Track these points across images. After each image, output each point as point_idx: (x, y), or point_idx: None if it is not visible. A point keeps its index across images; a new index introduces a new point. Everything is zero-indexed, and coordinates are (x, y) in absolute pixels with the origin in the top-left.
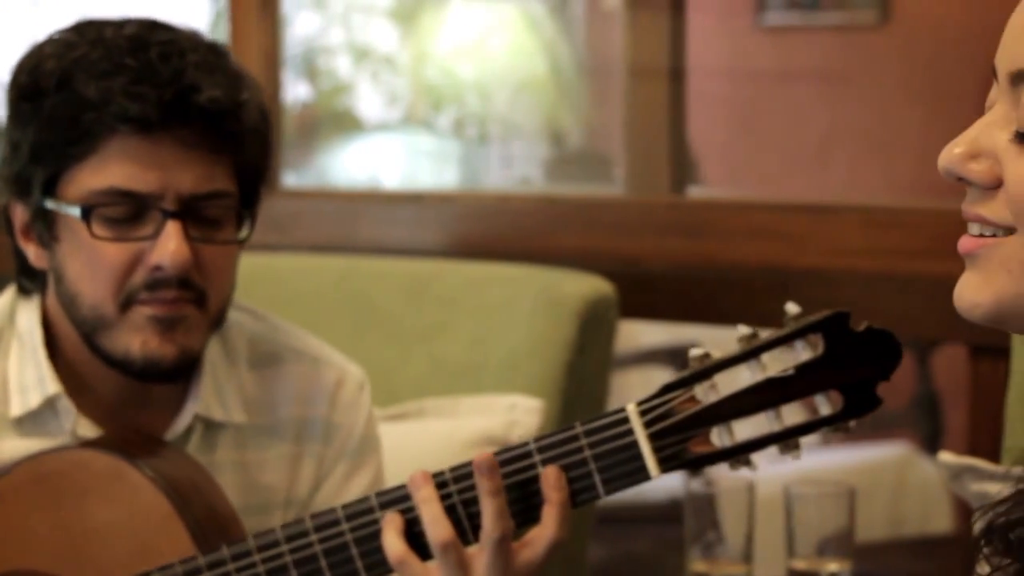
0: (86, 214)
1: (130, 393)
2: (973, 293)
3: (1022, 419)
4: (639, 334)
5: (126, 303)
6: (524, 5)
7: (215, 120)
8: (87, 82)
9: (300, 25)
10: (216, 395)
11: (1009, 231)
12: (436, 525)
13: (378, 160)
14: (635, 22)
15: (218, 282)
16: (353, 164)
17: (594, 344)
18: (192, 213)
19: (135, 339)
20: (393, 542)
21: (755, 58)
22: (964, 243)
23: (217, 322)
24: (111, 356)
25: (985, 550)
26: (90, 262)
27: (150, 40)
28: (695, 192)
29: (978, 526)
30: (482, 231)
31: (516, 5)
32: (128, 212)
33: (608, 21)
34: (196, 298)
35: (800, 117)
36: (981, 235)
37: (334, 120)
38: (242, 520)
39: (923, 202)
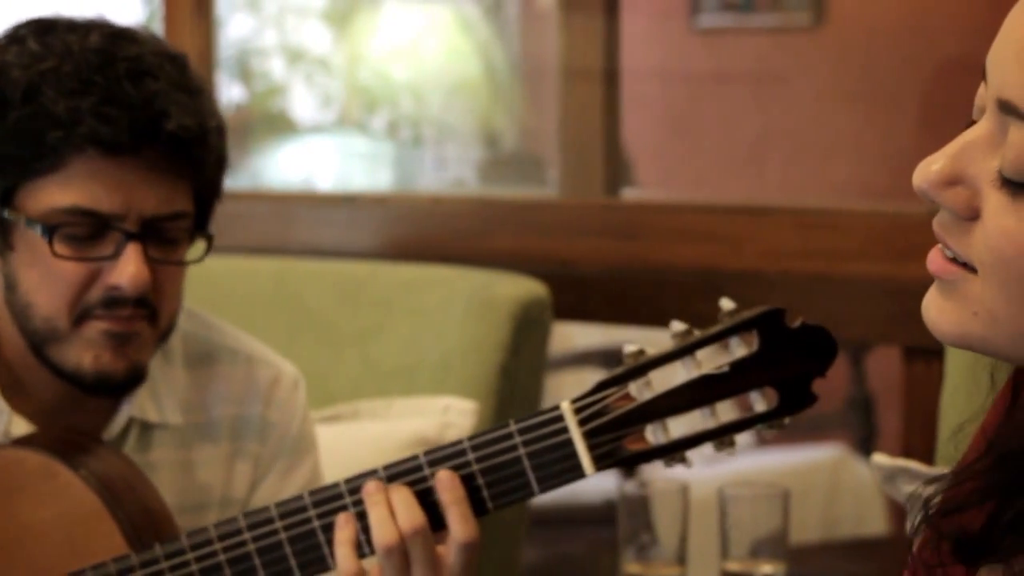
0: (49, 232)
1: (67, 396)
2: (941, 320)
3: (956, 421)
4: (573, 336)
5: (80, 318)
6: (458, 7)
7: (182, 146)
8: (56, 99)
9: (234, 27)
10: (151, 396)
11: (973, 269)
12: (383, 528)
13: (312, 162)
14: (569, 24)
15: (170, 299)
16: (287, 166)
17: (528, 346)
18: (152, 234)
19: (87, 354)
20: (346, 556)
21: (689, 60)
22: (936, 265)
23: (165, 335)
24: (61, 368)
25: (924, 533)
26: (47, 276)
27: (117, 55)
28: (629, 194)
29: (914, 512)
30: (416, 233)
31: (450, 7)
32: (89, 230)
33: (542, 23)
34: (149, 315)
35: (734, 119)
36: (953, 260)
37: (268, 122)
38: (178, 519)
39: (857, 204)
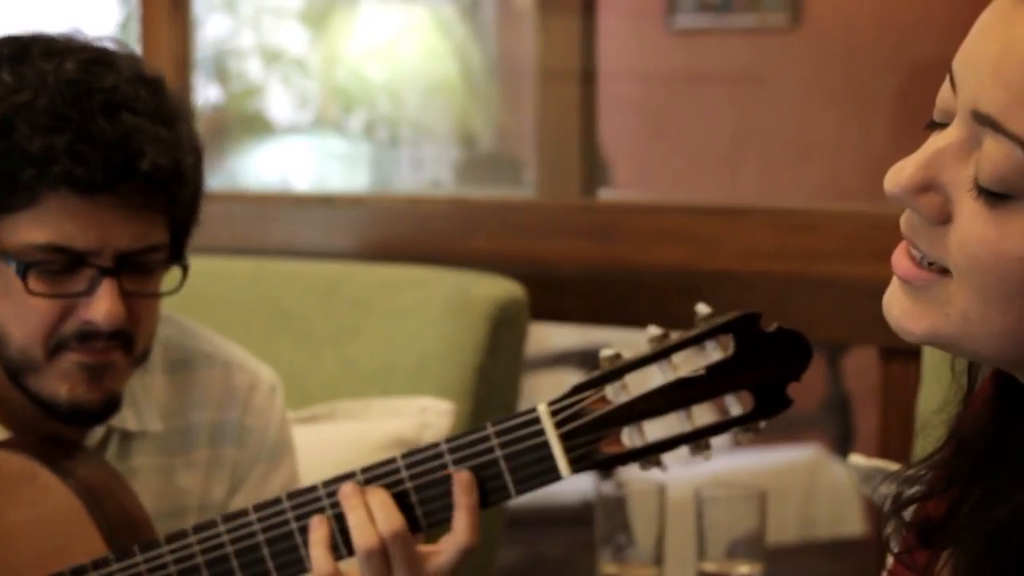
0: (23, 268)
1: (44, 412)
2: (908, 320)
3: (932, 421)
4: (550, 337)
5: (55, 349)
6: (435, 8)
7: (157, 184)
8: (30, 136)
9: (211, 27)
10: (131, 405)
11: (946, 271)
12: (363, 531)
13: (289, 162)
14: (546, 25)
15: (146, 328)
16: (264, 166)
17: (505, 347)
18: (127, 267)
19: (63, 385)
20: (321, 556)
21: (666, 61)
22: (904, 269)
23: (140, 360)
24: (37, 397)
25: (893, 525)
26: (20, 310)
27: (92, 86)
28: (606, 195)
29: (886, 504)
30: (393, 234)
31: (427, 8)
32: (63, 266)
33: (519, 24)
34: (124, 344)
35: (711, 120)
36: (921, 262)
37: (245, 123)
38: (158, 524)
39: (834, 205)
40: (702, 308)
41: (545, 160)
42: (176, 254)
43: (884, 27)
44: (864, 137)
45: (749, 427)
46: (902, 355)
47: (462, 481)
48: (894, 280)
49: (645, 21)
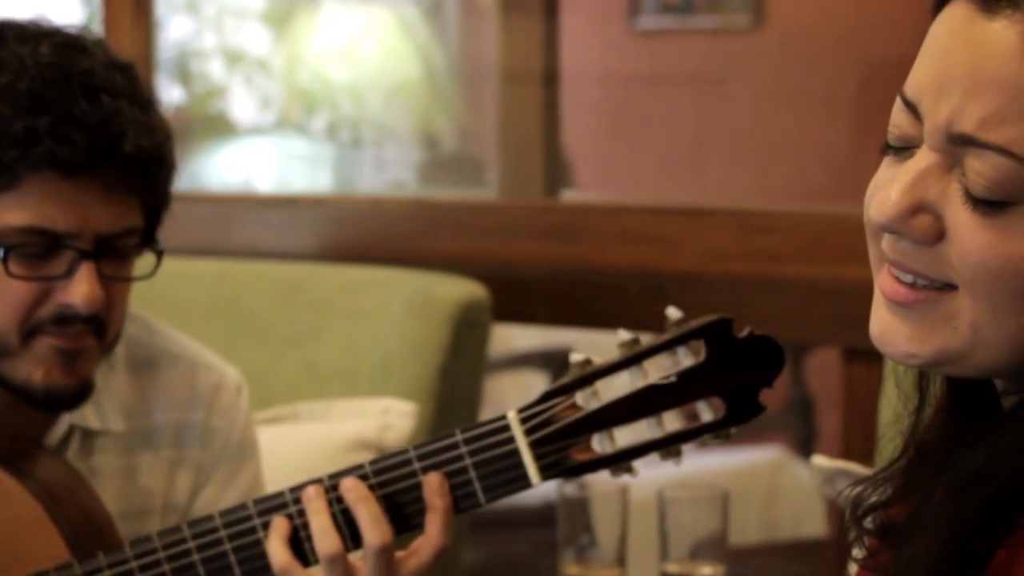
0: (4, 252)
1: (8, 404)
2: (909, 345)
3: (889, 432)
4: (513, 338)
5: (30, 333)
6: (397, 8)
7: (139, 165)
8: (11, 117)
9: (173, 28)
10: (93, 403)
11: (949, 286)
12: (324, 537)
13: (251, 164)
14: (508, 26)
15: (119, 314)
16: (226, 168)
17: (467, 348)
18: (105, 251)
19: (38, 370)
20: (278, 550)
21: (629, 62)
22: (899, 294)
23: (110, 348)
24: (11, 383)
25: (855, 532)
26: None
27: (70, 69)
28: (568, 196)
29: (847, 509)
30: (355, 235)
31: (389, 8)
32: (42, 248)
33: (481, 25)
34: (97, 329)
35: (674, 121)
36: (914, 284)
37: (207, 124)
38: (120, 525)
39: (796, 206)
40: (673, 312)
41: (508, 161)
42: (148, 239)
43: (846, 28)
44: (826, 138)
45: (720, 434)
46: (864, 356)
47: (433, 483)
48: (880, 305)
49: (607, 22)
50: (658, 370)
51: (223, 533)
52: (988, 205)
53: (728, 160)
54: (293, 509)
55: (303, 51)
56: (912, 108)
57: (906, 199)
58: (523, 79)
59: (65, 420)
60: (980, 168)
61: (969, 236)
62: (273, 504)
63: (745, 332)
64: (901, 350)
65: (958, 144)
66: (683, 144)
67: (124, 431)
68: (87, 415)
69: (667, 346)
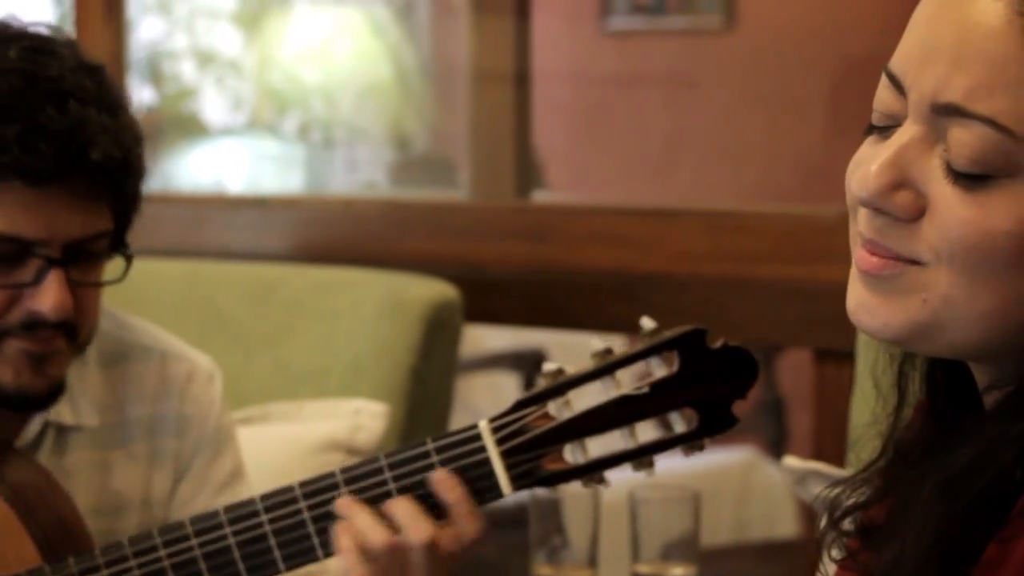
0: None
1: None
2: (880, 316)
3: (868, 434)
4: (484, 339)
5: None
6: (369, 9)
7: (107, 173)
8: None
9: (145, 29)
10: (67, 399)
11: (915, 262)
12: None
13: (223, 165)
14: (480, 26)
15: (90, 317)
16: (198, 169)
17: (439, 349)
18: (73, 256)
19: (7, 371)
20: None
21: (600, 63)
22: (872, 264)
23: (82, 348)
24: None
25: (832, 533)
26: None
27: (38, 75)
28: (540, 196)
29: (823, 512)
30: (327, 236)
31: (360, 9)
32: (10, 255)
33: (453, 25)
34: (68, 333)
35: (646, 122)
36: (891, 258)
37: (179, 124)
38: (96, 522)
39: (768, 206)
40: (647, 323)
41: (479, 162)
42: (118, 242)
43: (818, 30)
44: (798, 139)
45: (693, 445)
46: (836, 357)
47: (442, 480)
48: (855, 280)
49: (579, 23)
50: (631, 380)
51: (193, 541)
52: (970, 179)
53: (700, 161)
54: (264, 518)
55: (275, 52)
56: (896, 83)
57: (887, 174)
58: (495, 80)
59: (39, 417)
60: (965, 139)
61: (950, 211)
62: (245, 512)
63: (719, 343)
64: (873, 322)
65: (943, 114)
66: (655, 145)
67: (98, 426)
68: (61, 410)
69: (640, 356)
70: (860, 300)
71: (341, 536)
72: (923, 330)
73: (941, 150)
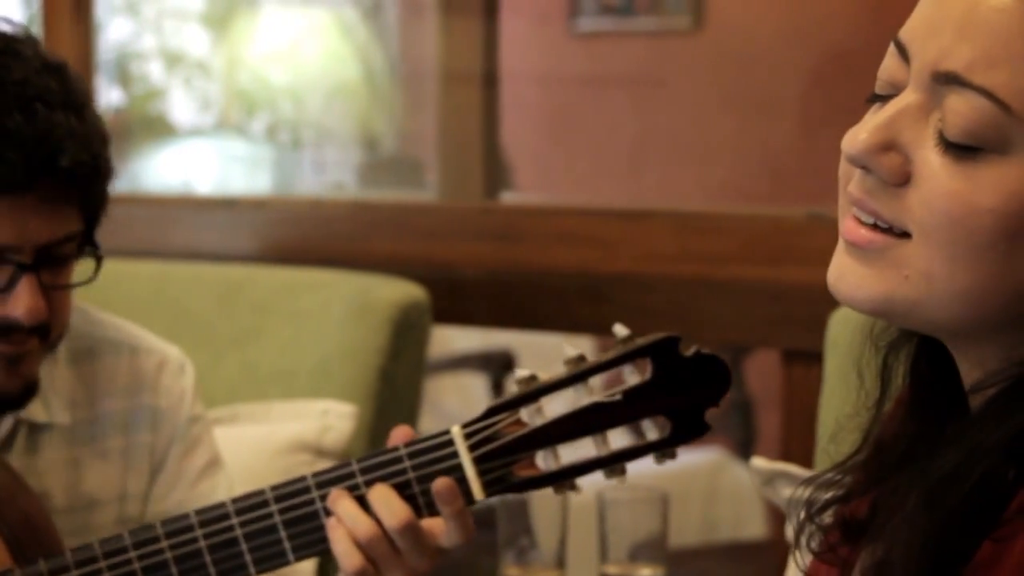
0: None
1: None
2: (859, 287)
3: (848, 426)
4: (452, 339)
5: None
6: (337, 10)
7: (76, 177)
8: None
9: (113, 30)
10: (39, 397)
11: (904, 234)
12: (348, 558)
13: (191, 165)
14: (448, 27)
15: (62, 317)
16: (166, 169)
17: (407, 349)
18: (45, 260)
19: None
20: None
21: (568, 64)
22: (856, 234)
23: (54, 346)
24: None
25: (811, 526)
26: None
27: (3, 79)
28: (508, 197)
29: (800, 510)
30: (295, 236)
31: (329, 10)
32: None
33: (421, 26)
34: (41, 334)
35: (614, 123)
36: (875, 226)
37: (147, 125)
38: (69, 519)
39: (736, 207)
40: (620, 330)
41: (447, 163)
42: (87, 242)
43: (787, 31)
44: (765, 140)
45: (665, 452)
46: (804, 357)
47: (444, 488)
48: (840, 251)
49: (547, 24)
50: (603, 387)
51: (164, 543)
52: (960, 150)
53: (668, 162)
54: (235, 520)
55: (243, 53)
56: (903, 51)
57: (878, 134)
58: (463, 81)
59: (10, 416)
60: (960, 108)
61: (934, 180)
62: (215, 515)
63: (692, 351)
64: (851, 293)
65: (942, 83)
66: (623, 146)
67: (70, 423)
68: (33, 409)
69: (613, 364)
70: (842, 271)
71: (334, 528)
72: (900, 305)
73: (936, 119)
